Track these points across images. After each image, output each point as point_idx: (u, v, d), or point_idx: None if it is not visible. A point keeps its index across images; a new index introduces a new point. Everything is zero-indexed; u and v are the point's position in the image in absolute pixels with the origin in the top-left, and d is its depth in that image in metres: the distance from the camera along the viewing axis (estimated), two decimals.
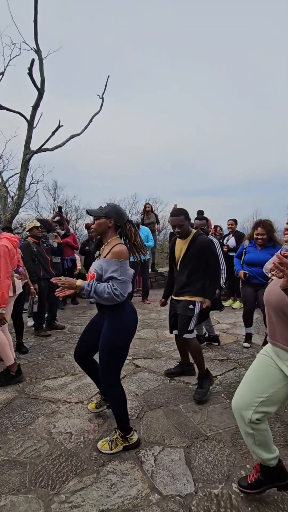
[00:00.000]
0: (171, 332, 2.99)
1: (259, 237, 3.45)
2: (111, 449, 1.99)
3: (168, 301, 3.01)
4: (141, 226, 6.13)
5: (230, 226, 5.81)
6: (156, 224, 7.50)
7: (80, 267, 6.74)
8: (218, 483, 1.74)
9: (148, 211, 7.53)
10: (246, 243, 3.77)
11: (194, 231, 2.76)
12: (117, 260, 1.85)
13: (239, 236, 5.66)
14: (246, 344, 3.80)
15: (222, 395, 2.66)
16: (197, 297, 2.69)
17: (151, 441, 2.10)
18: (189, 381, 2.92)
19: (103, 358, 1.95)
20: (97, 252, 2.04)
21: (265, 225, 3.41)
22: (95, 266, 1.93)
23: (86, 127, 9.59)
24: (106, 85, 9.81)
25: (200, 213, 8.36)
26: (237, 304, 5.70)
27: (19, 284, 3.19)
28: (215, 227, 6.92)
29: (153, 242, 6.36)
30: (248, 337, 3.85)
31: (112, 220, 1.96)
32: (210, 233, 6.19)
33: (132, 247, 2.01)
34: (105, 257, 1.90)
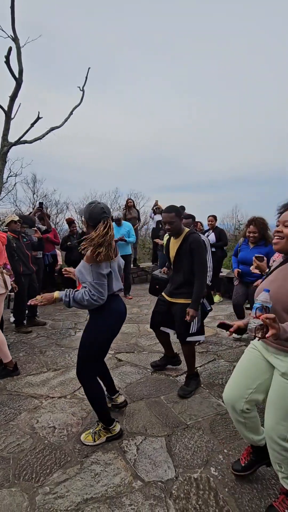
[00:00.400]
0: (151, 327, 2.99)
1: (251, 235, 3.53)
2: (94, 441, 2.05)
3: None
4: (123, 222, 6.15)
5: (210, 222, 5.93)
6: (136, 221, 7.54)
7: (61, 263, 6.66)
8: (197, 467, 1.83)
9: (130, 206, 7.54)
10: (240, 241, 3.85)
11: (186, 229, 2.70)
12: (88, 264, 1.83)
13: (219, 232, 5.80)
14: (235, 335, 3.90)
15: (202, 385, 2.76)
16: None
17: (134, 431, 2.16)
18: (170, 373, 3.00)
19: (81, 354, 1.99)
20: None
21: (257, 223, 3.48)
22: (77, 268, 1.94)
23: (66, 120, 9.42)
24: (86, 77, 9.66)
25: (182, 209, 8.46)
26: (217, 298, 5.86)
27: (8, 280, 3.15)
28: (196, 223, 7.04)
29: (134, 238, 6.39)
30: None
31: (89, 221, 1.90)
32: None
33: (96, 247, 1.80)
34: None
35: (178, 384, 2.77)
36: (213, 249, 5.37)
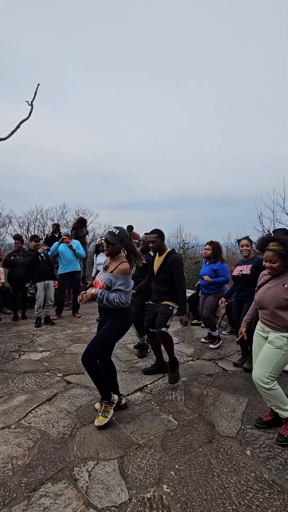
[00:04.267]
0: (145, 331, 3.42)
1: (206, 251, 4.45)
2: (106, 417, 2.41)
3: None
4: (73, 240, 6.10)
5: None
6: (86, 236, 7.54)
7: (3, 281, 6.25)
8: (150, 487, 1.85)
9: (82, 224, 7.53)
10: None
11: (168, 249, 3.27)
12: (123, 276, 2.35)
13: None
14: (203, 340, 4.55)
15: (153, 402, 2.80)
16: (174, 303, 3.18)
17: (85, 457, 2.10)
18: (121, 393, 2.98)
19: (100, 338, 2.40)
20: (105, 264, 2.52)
21: (212, 244, 4.42)
22: (104, 278, 2.40)
23: (12, 133, 9.10)
24: (35, 93, 9.52)
25: (130, 228, 8.68)
26: None
27: None
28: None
29: (84, 252, 6.33)
30: (209, 336, 4.55)
31: (122, 244, 2.44)
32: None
33: (131, 256, 2.49)
34: (112, 271, 2.38)
35: (128, 404, 2.77)
36: None
